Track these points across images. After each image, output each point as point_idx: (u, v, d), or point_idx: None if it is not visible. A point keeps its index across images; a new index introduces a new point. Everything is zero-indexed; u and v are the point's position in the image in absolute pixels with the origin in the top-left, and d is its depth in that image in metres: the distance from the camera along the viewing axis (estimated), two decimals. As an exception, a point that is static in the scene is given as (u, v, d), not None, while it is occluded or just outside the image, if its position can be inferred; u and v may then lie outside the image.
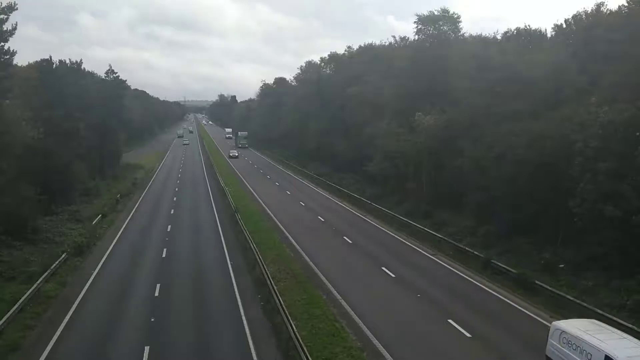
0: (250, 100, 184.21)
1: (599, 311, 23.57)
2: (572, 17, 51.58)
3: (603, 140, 27.58)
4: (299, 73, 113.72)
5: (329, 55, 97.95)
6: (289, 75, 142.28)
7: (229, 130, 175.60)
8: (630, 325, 21.89)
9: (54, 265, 31.05)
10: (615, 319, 22.70)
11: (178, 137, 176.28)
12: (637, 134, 27.07)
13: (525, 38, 54.76)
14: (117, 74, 79.45)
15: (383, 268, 32.25)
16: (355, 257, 35.26)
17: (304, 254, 35.74)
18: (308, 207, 53.65)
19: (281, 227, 44.38)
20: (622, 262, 26.77)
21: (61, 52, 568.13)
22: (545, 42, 52.53)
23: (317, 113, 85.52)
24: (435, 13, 56.60)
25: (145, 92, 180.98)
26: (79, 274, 31.80)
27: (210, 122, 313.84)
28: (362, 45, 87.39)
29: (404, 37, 76.46)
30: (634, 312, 23.38)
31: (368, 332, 22.95)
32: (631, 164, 26.77)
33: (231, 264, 33.53)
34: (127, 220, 47.68)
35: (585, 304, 24.47)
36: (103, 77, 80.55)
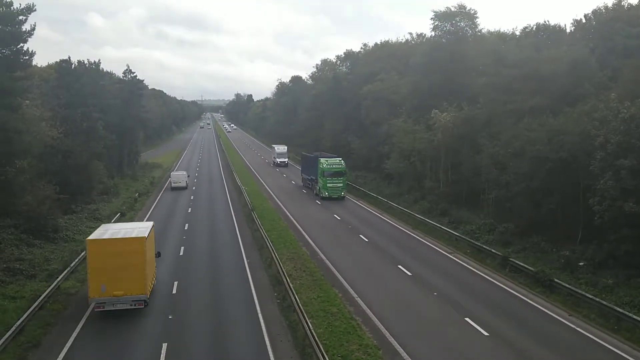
0: (267, 99, 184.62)
1: (618, 309, 23.21)
2: (592, 12, 50.93)
3: (625, 136, 27.11)
4: (314, 71, 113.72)
5: (344, 53, 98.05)
6: (304, 74, 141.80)
7: (281, 149, 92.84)
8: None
9: (74, 263, 31.39)
10: (635, 317, 22.33)
11: (200, 128, 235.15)
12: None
13: (544, 34, 54.20)
14: (134, 74, 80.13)
15: (399, 266, 32.11)
16: (372, 255, 35.15)
17: (320, 252, 35.73)
18: (324, 205, 53.60)
19: (297, 225, 44.42)
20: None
21: (73, 52, 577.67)
22: (564, 37, 51.92)
23: (333, 111, 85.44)
24: (452, 9, 56.19)
25: (162, 91, 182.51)
26: (97, 271, 32.06)
27: (233, 126, 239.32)
28: (378, 42, 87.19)
29: (421, 33, 76.13)
30: (656, 310, 22.96)
31: (384, 330, 22.86)
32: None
33: (248, 261, 33.65)
34: (145, 218, 47.95)
35: (604, 302, 24.10)
36: (121, 77, 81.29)
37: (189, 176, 67.06)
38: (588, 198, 29.13)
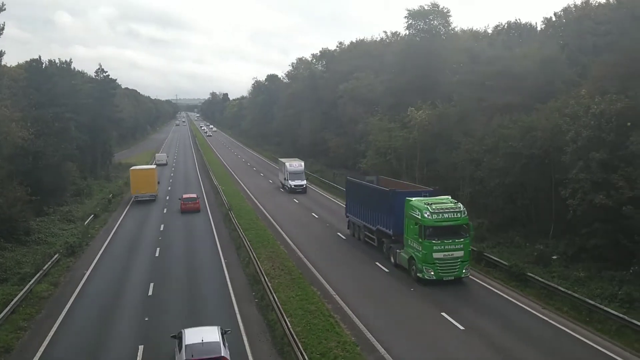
0: (243, 97, 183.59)
1: (590, 301, 23.72)
2: (562, 9, 51.95)
3: (595, 130, 27.72)
4: (290, 70, 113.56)
5: (320, 51, 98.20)
6: (280, 72, 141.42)
7: (296, 167, 62.38)
8: (621, 315, 22.07)
9: (46, 266, 30.93)
10: (606, 308, 22.85)
11: (176, 125, 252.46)
12: (629, 124, 27.27)
13: (515, 31, 55.09)
14: (107, 73, 79.09)
15: (377, 263, 32.30)
16: (350, 253, 35.27)
17: (298, 251, 35.74)
18: (302, 204, 53.62)
19: (275, 224, 44.36)
20: (614, 253, 26.93)
21: (42, 52, 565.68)
22: (535, 35, 52.83)
23: (310, 109, 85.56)
24: (426, 8, 56.72)
25: (136, 90, 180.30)
26: (71, 274, 31.72)
27: (213, 128, 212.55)
28: (354, 41, 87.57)
29: (395, 32, 76.71)
30: (625, 302, 23.50)
31: (362, 327, 22.99)
32: (623, 154, 26.92)
33: (225, 261, 33.49)
34: (120, 219, 47.53)
35: (576, 295, 24.60)
36: (93, 76, 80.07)
37: (168, 156, 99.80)
38: (560, 192, 29.69)
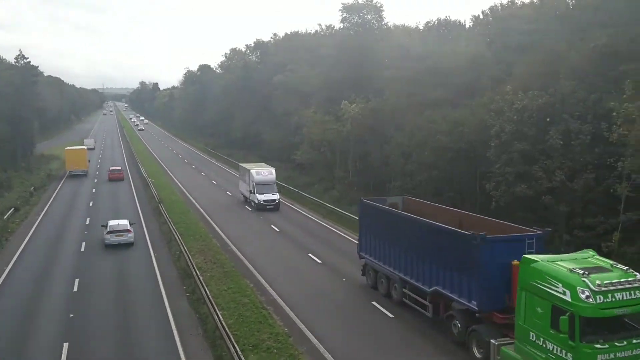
0: (174, 87, 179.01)
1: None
2: (489, 8, 53.80)
3: (517, 125, 29.09)
4: (223, 60, 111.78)
5: (254, 42, 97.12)
6: (213, 62, 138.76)
7: (265, 176, 47.18)
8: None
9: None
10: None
11: (103, 114, 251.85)
12: (548, 119, 28.82)
13: (445, 28, 56.61)
14: (28, 60, 74.85)
15: (310, 255, 32.50)
16: (283, 245, 35.30)
17: (230, 244, 35.39)
18: (235, 197, 53.05)
19: (207, 217, 43.70)
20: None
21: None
22: (464, 32, 54.51)
23: (244, 101, 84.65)
24: (360, 2, 57.36)
25: (60, 79, 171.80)
26: (-12, 271, 29.93)
27: (144, 120, 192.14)
28: (288, 32, 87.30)
29: (330, 25, 77.06)
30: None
31: (295, 318, 23.07)
32: (542, 148, 28.43)
33: (155, 255, 32.65)
34: (42, 213, 45.31)
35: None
36: (13, 62, 75.62)
37: (95, 142, 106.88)
38: (484, 185, 30.96)
